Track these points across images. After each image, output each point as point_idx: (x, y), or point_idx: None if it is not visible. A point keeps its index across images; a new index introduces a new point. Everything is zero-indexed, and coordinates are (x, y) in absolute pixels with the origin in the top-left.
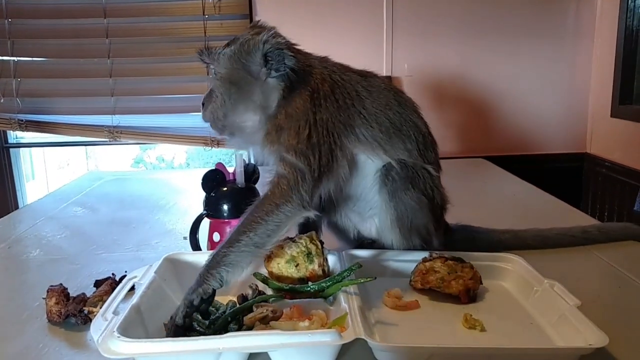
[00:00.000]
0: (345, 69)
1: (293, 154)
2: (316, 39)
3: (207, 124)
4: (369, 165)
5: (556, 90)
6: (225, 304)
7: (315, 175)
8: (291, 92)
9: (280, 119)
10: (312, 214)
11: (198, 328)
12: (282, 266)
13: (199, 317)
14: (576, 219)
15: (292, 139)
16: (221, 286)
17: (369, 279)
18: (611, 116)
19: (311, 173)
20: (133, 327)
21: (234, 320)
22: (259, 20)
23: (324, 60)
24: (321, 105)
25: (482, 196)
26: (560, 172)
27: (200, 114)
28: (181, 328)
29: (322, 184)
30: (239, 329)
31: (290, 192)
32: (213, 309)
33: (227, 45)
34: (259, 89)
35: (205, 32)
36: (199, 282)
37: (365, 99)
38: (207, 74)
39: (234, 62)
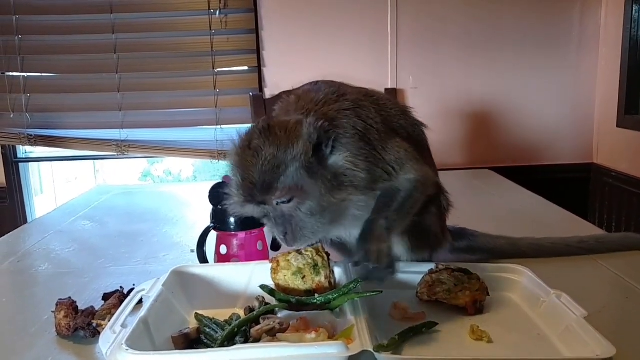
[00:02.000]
0: (345, 94)
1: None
2: (321, 53)
3: (212, 139)
4: None
5: (562, 101)
6: (229, 317)
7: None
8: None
9: (364, 182)
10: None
11: (205, 341)
12: (288, 278)
13: (206, 330)
14: (583, 229)
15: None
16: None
17: (375, 293)
18: (617, 126)
19: (412, 154)
20: (141, 340)
21: (240, 332)
22: (261, 125)
23: (330, 99)
24: (369, 139)
25: (489, 207)
26: (567, 183)
27: (207, 127)
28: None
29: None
30: (246, 341)
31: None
32: (221, 323)
33: (272, 168)
34: (332, 175)
35: (212, 47)
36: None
37: (384, 115)
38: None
39: (309, 171)
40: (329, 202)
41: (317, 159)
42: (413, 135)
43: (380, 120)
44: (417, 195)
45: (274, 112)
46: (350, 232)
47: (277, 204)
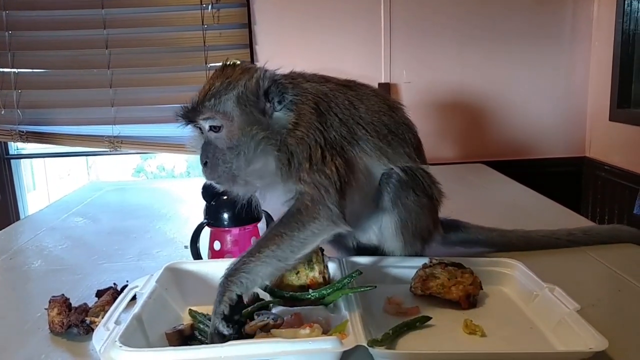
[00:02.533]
0: (328, 80)
1: (311, 173)
2: (314, 47)
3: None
4: (375, 174)
5: (554, 95)
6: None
7: (338, 187)
8: (296, 120)
9: (292, 149)
10: (343, 229)
11: (200, 337)
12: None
13: (200, 327)
14: (575, 223)
15: (306, 162)
16: (244, 292)
17: (369, 288)
18: (609, 120)
19: (333, 186)
20: (135, 337)
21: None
22: (227, 62)
23: (308, 77)
24: (326, 123)
25: (481, 201)
26: (560, 176)
27: None
28: (222, 336)
29: (347, 195)
30: (240, 338)
31: (316, 207)
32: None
33: (213, 94)
34: (269, 126)
35: (204, 42)
36: (222, 292)
37: (359, 108)
38: (191, 133)
39: (242, 106)
40: (251, 144)
41: (261, 105)
42: (395, 133)
43: (347, 117)
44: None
45: None
46: (263, 194)
47: (208, 129)
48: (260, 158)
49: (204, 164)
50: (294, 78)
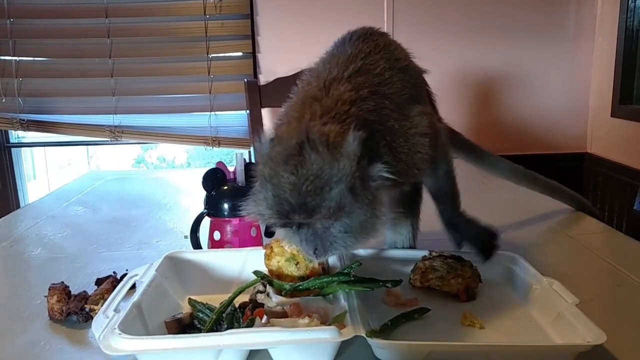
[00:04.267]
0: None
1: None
2: (317, 38)
3: (206, 126)
4: None
5: (556, 90)
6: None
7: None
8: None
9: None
10: None
11: (199, 326)
12: (282, 264)
13: (199, 315)
14: (576, 218)
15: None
16: None
17: (366, 289)
18: (611, 116)
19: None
20: (134, 325)
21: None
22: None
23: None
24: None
25: (482, 195)
26: (561, 172)
27: (201, 113)
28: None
29: None
30: (239, 326)
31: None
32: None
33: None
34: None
35: (206, 32)
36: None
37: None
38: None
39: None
40: (369, 221)
41: (359, 175)
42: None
43: (396, 115)
44: (453, 182)
45: (293, 100)
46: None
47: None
48: (375, 225)
49: (314, 251)
50: (357, 115)
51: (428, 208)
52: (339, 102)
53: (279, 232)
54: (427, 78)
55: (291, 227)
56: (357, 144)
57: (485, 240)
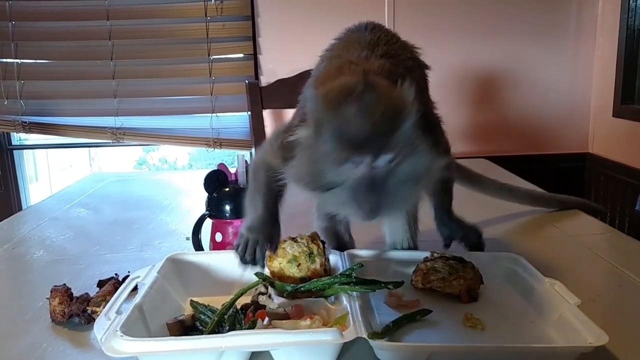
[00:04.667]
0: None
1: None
2: (318, 39)
3: (207, 127)
4: None
5: (558, 90)
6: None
7: None
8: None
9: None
10: None
11: (201, 328)
12: (283, 266)
13: (201, 317)
14: (578, 219)
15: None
16: None
17: (368, 290)
18: (613, 116)
19: None
20: (136, 326)
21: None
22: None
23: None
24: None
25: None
26: (563, 172)
27: (203, 115)
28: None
29: None
30: (241, 328)
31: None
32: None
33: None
34: None
35: (207, 34)
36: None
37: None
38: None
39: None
40: (428, 168)
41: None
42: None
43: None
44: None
45: (326, 68)
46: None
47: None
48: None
49: (369, 204)
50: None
51: (428, 209)
52: (380, 68)
53: (320, 196)
54: (430, 80)
55: (343, 180)
56: (414, 89)
57: (472, 238)
